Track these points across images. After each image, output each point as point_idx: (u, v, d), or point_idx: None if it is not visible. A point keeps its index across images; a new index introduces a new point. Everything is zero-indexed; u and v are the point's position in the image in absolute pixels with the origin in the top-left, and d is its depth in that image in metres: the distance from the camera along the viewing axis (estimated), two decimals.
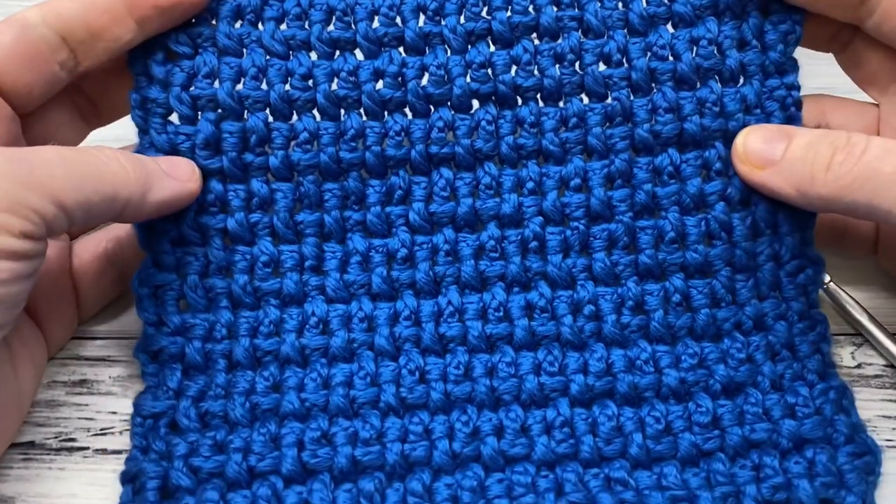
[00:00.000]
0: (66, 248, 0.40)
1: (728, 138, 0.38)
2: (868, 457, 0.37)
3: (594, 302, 0.38)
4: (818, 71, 0.42)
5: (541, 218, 0.39)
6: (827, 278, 0.42)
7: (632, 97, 0.38)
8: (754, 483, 0.35)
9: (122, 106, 0.40)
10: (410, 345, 0.38)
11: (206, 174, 0.38)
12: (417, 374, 0.37)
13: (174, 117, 0.38)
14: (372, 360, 0.38)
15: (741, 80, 0.39)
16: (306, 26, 0.38)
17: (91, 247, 0.40)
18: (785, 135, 0.37)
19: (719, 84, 0.39)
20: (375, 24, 0.38)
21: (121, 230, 0.41)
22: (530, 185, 0.39)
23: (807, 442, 0.36)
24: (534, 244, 0.38)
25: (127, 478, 0.36)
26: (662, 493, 0.35)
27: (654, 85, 0.38)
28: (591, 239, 0.39)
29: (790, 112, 0.39)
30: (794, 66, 0.39)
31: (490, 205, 0.39)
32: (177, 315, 0.38)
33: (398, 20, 0.38)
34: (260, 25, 0.39)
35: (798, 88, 0.39)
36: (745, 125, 0.38)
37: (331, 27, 0.38)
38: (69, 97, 0.39)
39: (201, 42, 0.38)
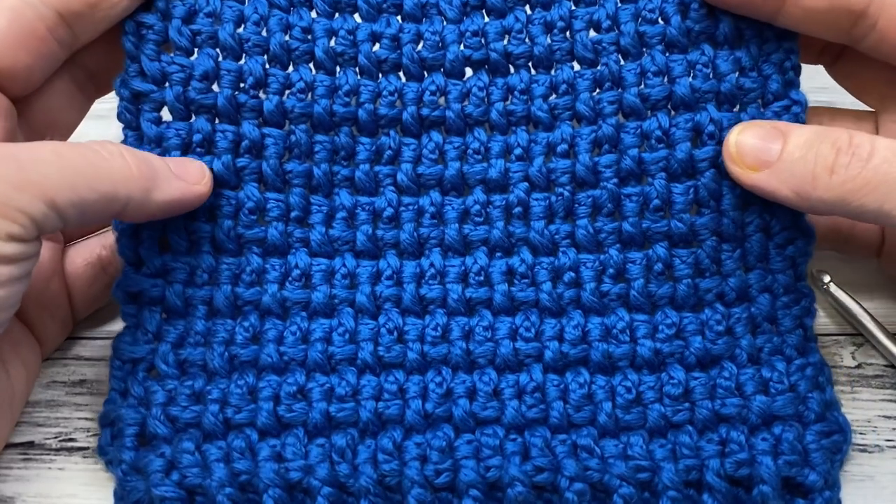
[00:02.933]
0: (59, 252, 0.40)
1: (720, 101, 0.37)
2: (837, 436, 0.37)
3: (575, 269, 0.38)
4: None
5: (526, 184, 0.39)
6: (827, 278, 0.42)
7: (621, 62, 0.38)
8: (718, 458, 0.36)
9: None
10: (391, 304, 0.38)
11: (196, 111, 0.38)
12: (395, 333, 0.38)
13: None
14: (352, 317, 0.38)
15: (736, 44, 0.38)
16: None
17: (85, 253, 0.40)
18: (779, 132, 0.35)
19: (712, 47, 0.38)
20: None
21: (113, 239, 0.40)
22: (518, 151, 0.39)
23: (776, 419, 0.36)
24: (518, 210, 0.39)
25: (106, 421, 0.37)
26: (626, 463, 0.35)
27: (644, 49, 0.38)
28: (576, 205, 0.38)
29: (788, 76, 0.38)
30: (794, 33, 0.37)
31: (477, 169, 0.39)
32: (157, 257, 0.38)
33: None
34: None
35: (797, 53, 0.37)
36: (739, 86, 0.37)
37: None
38: (67, 73, 0.38)
39: None
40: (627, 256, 0.38)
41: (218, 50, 0.38)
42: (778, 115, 0.37)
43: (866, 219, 0.34)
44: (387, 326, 0.38)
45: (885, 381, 0.40)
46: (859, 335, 0.42)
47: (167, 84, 0.37)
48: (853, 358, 0.41)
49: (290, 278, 0.38)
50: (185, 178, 0.36)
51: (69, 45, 0.36)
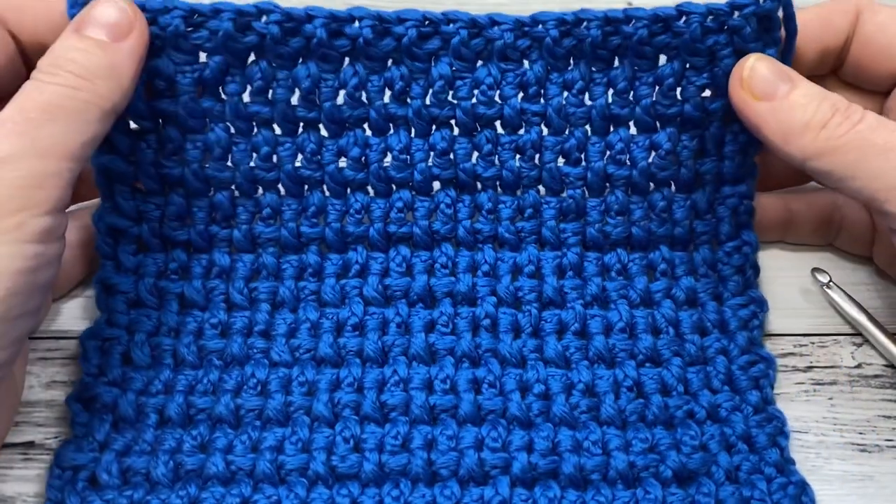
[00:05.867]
0: None
1: (673, 242, 0.40)
2: None
3: (544, 382, 0.38)
4: None
5: (494, 298, 0.39)
6: (827, 278, 0.42)
7: (587, 195, 0.40)
8: None
9: None
10: (350, 411, 0.37)
11: (172, 244, 0.40)
12: (352, 442, 0.36)
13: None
14: (307, 425, 0.36)
15: (695, 187, 0.40)
16: (270, 96, 0.38)
17: (69, 235, 0.40)
18: (789, 77, 0.36)
19: (672, 189, 0.40)
20: (340, 99, 0.38)
21: (90, 218, 0.40)
22: (485, 267, 0.40)
23: None
24: (486, 322, 0.39)
25: None
26: None
27: (608, 185, 0.40)
28: (543, 322, 0.39)
29: (741, 219, 0.40)
30: (751, 174, 0.40)
31: (445, 282, 0.39)
32: (118, 367, 0.38)
33: (364, 96, 0.38)
34: (222, 92, 0.38)
35: (751, 197, 0.40)
36: (692, 230, 0.40)
37: (294, 100, 0.38)
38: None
39: (164, 116, 0.38)
40: (596, 373, 0.38)
41: (188, 188, 0.39)
42: (729, 256, 0.40)
43: (824, 179, 0.36)
44: (343, 435, 0.36)
45: (885, 381, 0.40)
46: (859, 335, 0.42)
47: (143, 221, 0.39)
48: (853, 358, 0.41)
49: (246, 387, 0.38)
50: (123, 37, 0.35)
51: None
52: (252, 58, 0.37)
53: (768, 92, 0.36)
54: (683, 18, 0.37)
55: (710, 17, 0.37)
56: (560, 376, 0.38)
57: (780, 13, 0.37)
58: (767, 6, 0.36)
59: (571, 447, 0.36)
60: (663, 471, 0.36)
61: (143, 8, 0.35)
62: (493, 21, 0.37)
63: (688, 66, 0.38)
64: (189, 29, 0.36)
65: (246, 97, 0.38)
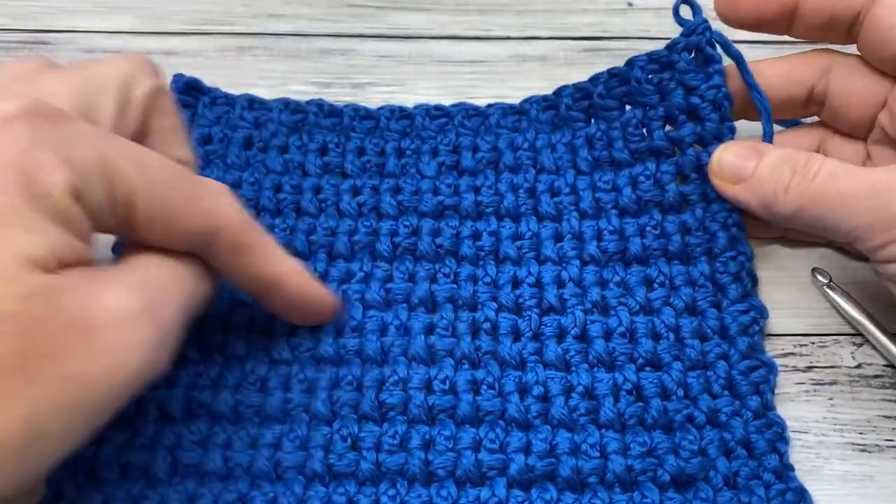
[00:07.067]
0: None
1: (669, 256, 0.41)
2: None
3: (543, 384, 0.38)
4: None
5: (495, 304, 0.40)
6: (827, 278, 0.42)
7: (581, 220, 0.42)
8: None
9: None
10: (348, 409, 0.37)
11: None
12: (350, 440, 0.36)
13: None
14: (305, 423, 0.37)
15: (683, 209, 0.42)
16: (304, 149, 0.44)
17: None
18: (756, 152, 0.39)
19: (660, 212, 0.42)
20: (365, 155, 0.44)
21: None
22: (487, 279, 0.41)
23: None
24: (486, 325, 0.39)
25: None
26: None
27: (601, 212, 0.42)
28: (543, 326, 0.39)
29: (731, 232, 0.41)
30: None
31: (446, 288, 0.40)
32: None
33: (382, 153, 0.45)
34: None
35: (739, 212, 0.41)
36: (686, 245, 0.41)
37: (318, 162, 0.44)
38: None
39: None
40: (595, 376, 0.38)
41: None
42: (725, 265, 0.41)
43: (813, 231, 0.38)
44: (341, 433, 0.36)
45: (885, 381, 0.40)
46: (859, 335, 0.42)
47: None
48: (853, 358, 0.41)
49: (246, 382, 0.38)
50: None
51: None
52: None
53: (739, 175, 0.39)
54: (633, 69, 0.43)
55: (652, 61, 0.42)
56: (559, 379, 0.38)
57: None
58: (694, 40, 0.41)
59: (569, 450, 0.36)
60: (661, 475, 0.36)
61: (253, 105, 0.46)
62: (488, 105, 0.46)
63: (646, 106, 0.42)
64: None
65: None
